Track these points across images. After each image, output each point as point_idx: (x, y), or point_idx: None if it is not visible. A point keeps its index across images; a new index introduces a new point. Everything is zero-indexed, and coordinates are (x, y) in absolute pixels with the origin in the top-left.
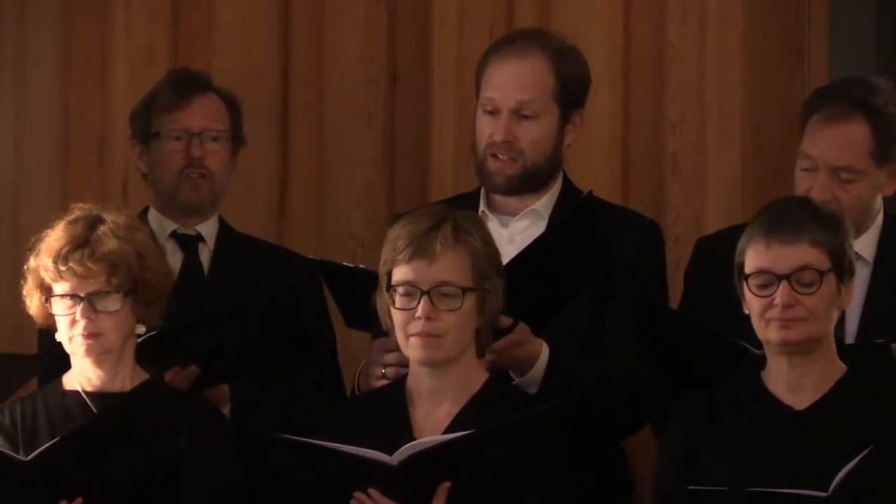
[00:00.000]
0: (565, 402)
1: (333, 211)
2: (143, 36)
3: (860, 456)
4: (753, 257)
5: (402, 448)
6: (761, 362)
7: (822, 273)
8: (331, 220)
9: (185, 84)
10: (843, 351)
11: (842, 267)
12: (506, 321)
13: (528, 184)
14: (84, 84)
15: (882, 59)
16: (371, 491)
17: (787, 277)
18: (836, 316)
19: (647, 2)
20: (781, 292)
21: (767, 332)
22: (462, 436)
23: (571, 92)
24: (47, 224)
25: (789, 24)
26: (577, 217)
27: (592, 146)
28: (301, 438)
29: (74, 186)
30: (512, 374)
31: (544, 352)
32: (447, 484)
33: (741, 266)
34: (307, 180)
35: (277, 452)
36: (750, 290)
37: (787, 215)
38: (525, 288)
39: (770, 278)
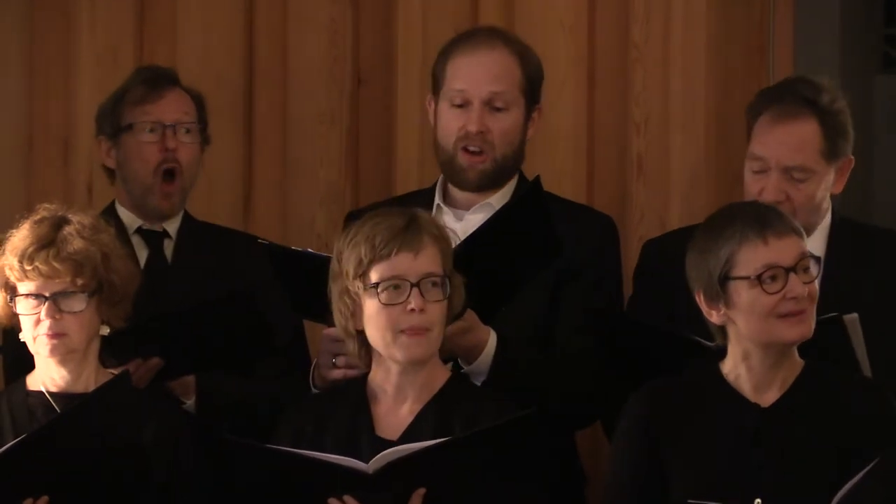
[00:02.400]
0: (513, 392)
1: (297, 211)
2: (107, 36)
3: (864, 470)
4: (754, 257)
5: (379, 456)
6: (717, 356)
7: (819, 259)
8: (295, 220)
9: (156, 78)
10: None
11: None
12: None
13: (497, 178)
14: (48, 84)
15: (846, 60)
16: (346, 498)
17: (793, 269)
18: None
19: (612, 2)
20: (795, 284)
21: (780, 331)
22: (440, 442)
23: (534, 86)
24: (11, 225)
25: (753, 24)
26: (523, 201)
27: (557, 146)
28: (276, 447)
29: (38, 187)
30: (460, 363)
31: (492, 340)
32: (422, 490)
33: (726, 274)
34: (271, 180)
35: (251, 459)
36: (763, 290)
37: (765, 213)
38: (473, 274)
39: (777, 272)
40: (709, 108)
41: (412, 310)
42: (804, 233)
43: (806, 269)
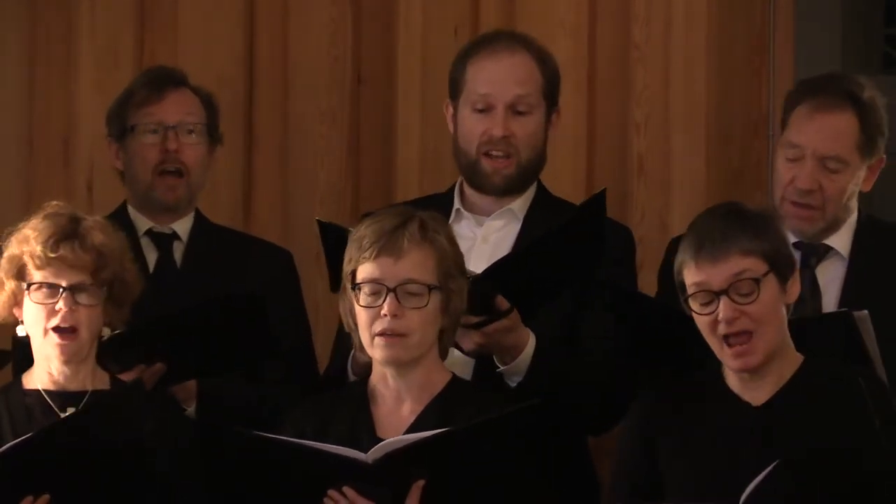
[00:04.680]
0: (544, 395)
1: (298, 211)
2: (108, 36)
3: (766, 470)
4: (689, 277)
5: (378, 446)
6: None
7: (757, 280)
8: (295, 220)
9: (161, 79)
10: (809, 323)
11: (780, 265)
12: (504, 304)
13: (521, 182)
14: (48, 84)
15: (847, 61)
16: (346, 489)
17: (724, 292)
18: (786, 313)
19: (612, 3)
20: (723, 307)
21: (724, 356)
22: (439, 433)
23: (553, 89)
24: (11, 224)
25: (754, 25)
26: (593, 213)
27: (558, 147)
28: (276, 436)
29: (39, 187)
30: (496, 362)
31: (531, 341)
32: (421, 482)
33: (682, 285)
34: (272, 180)
35: (251, 449)
36: (693, 310)
37: (712, 231)
38: (526, 277)
39: (708, 295)
40: (709, 108)
41: (384, 315)
42: (756, 250)
43: (745, 292)
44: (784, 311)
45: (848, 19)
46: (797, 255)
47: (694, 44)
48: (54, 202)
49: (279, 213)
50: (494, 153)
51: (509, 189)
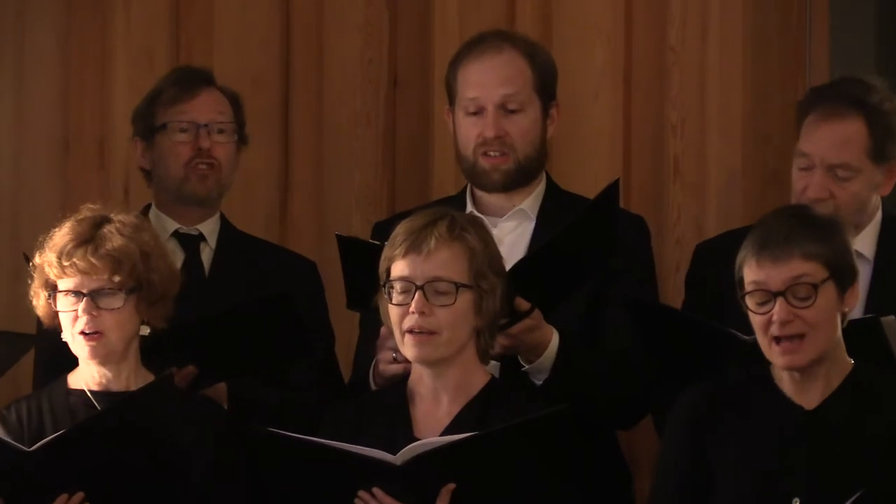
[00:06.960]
0: (569, 392)
1: (333, 213)
2: (143, 37)
3: (851, 500)
4: (749, 274)
5: (407, 448)
6: (752, 349)
7: (816, 286)
8: (331, 223)
9: (191, 78)
10: None
11: (841, 272)
12: (524, 305)
13: (522, 177)
14: (84, 85)
15: (882, 63)
16: (375, 490)
17: (781, 294)
18: (840, 321)
19: (648, 6)
20: (778, 309)
21: (772, 353)
22: (467, 437)
23: (547, 83)
24: (47, 226)
25: (790, 27)
26: (607, 204)
27: (594, 149)
28: (306, 437)
29: (75, 189)
30: (521, 361)
31: (555, 338)
32: (451, 486)
33: (741, 281)
34: (307, 182)
35: (281, 450)
36: (748, 307)
37: (777, 231)
38: (546, 275)
39: (766, 295)
40: (745, 110)
41: (412, 312)
42: (818, 256)
43: (802, 296)
44: (839, 318)
45: (884, 22)
46: None
47: (729, 46)
48: (87, 205)
49: (315, 215)
50: (491, 153)
51: (510, 184)
